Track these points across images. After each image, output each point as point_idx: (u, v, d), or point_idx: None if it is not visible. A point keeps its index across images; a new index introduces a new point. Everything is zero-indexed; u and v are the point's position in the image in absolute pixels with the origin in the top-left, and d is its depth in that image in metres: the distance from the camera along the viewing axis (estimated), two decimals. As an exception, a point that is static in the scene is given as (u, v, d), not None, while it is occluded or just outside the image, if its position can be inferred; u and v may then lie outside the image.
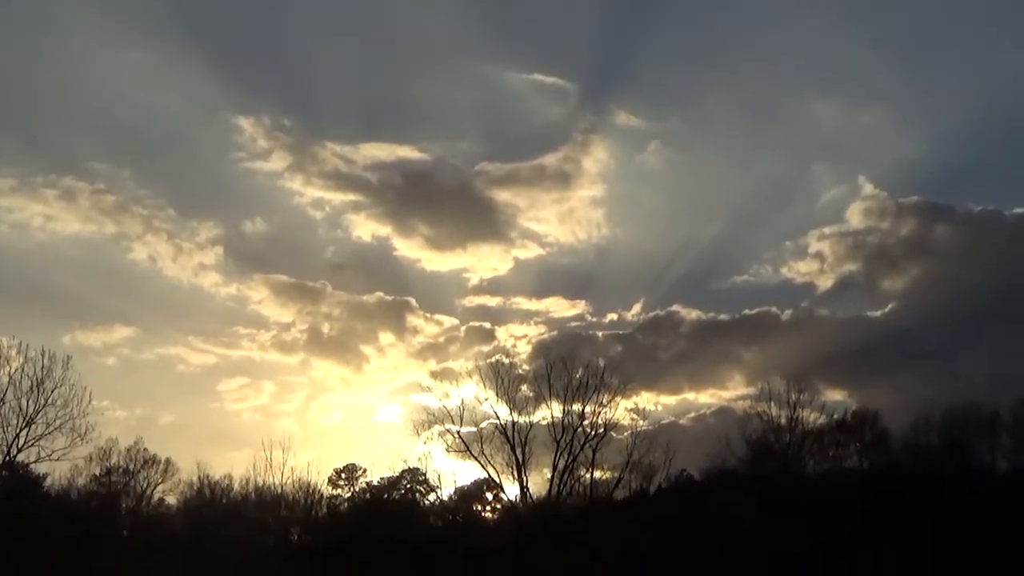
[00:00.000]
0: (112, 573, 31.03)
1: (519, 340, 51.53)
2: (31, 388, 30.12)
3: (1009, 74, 61.83)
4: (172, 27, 64.38)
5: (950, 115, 65.32)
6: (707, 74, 73.39)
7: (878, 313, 53.10)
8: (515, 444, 32.82)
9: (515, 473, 32.85)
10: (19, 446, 30.11)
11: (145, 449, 37.29)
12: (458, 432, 33.90)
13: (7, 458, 31.56)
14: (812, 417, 33.83)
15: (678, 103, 73.72)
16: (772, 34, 69.05)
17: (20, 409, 29.56)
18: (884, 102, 68.53)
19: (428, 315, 54.31)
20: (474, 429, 34.36)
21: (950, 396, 35.96)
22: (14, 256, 55.31)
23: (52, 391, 30.13)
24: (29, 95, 63.39)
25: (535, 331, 50.84)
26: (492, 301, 56.45)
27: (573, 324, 53.91)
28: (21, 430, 29.79)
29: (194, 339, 56.22)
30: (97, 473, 35.34)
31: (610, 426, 33.40)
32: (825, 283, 56.05)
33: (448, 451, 34.78)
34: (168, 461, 37.27)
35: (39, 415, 29.95)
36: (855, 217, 56.81)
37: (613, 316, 54.52)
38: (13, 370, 30.16)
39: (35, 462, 30.95)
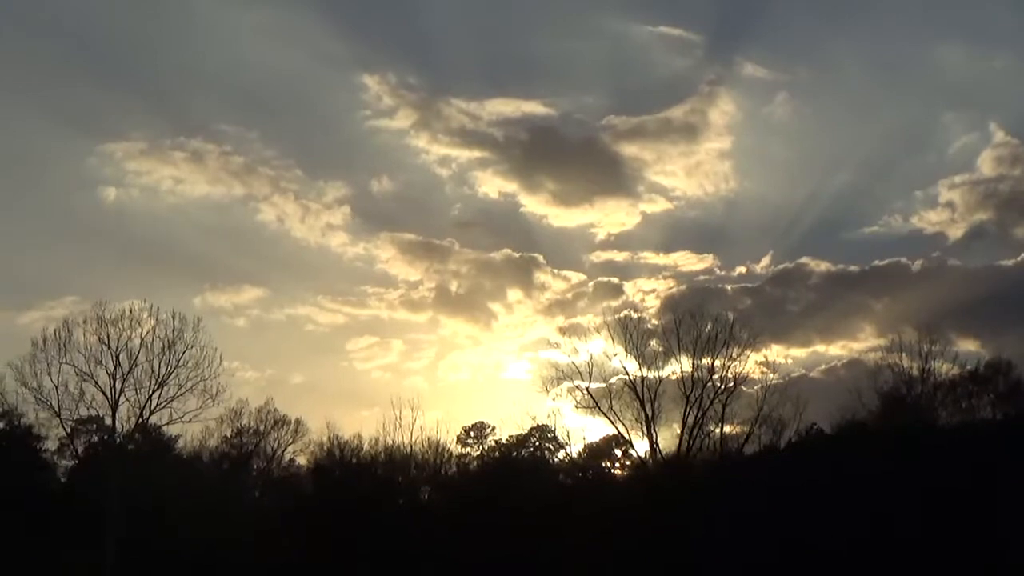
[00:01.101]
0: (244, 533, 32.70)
1: (647, 295, 52.75)
2: (162, 350, 31.18)
3: None
4: None
5: None
6: (833, 23, 71.10)
7: (1011, 262, 52.38)
8: (644, 400, 32.98)
9: (644, 429, 33.02)
10: (151, 408, 31.15)
11: (275, 410, 37.72)
12: (587, 388, 33.96)
13: (140, 420, 32.56)
14: (944, 368, 33.46)
15: (804, 53, 71.77)
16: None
17: (152, 371, 30.79)
18: (1015, 47, 69.14)
19: (556, 271, 55.27)
20: (603, 385, 34.41)
21: None
22: (144, 219, 57.78)
23: (183, 353, 31.26)
24: (155, 59, 65.86)
25: (663, 285, 52.13)
26: (620, 256, 57.30)
27: (702, 278, 54.84)
28: (153, 392, 30.89)
29: (322, 299, 58.12)
30: (228, 435, 36.11)
31: (740, 380, 33.42)
32: (956, 233, 57.11)
33: (577, 407, 34.82)
34: (298, 421, 37.67)
35: (171, 377, 30.93)
36: (987, 165, 57.10)
37: (742, 269, 55.37)
38: (145, 332, 31.53)
39: (167, 424, 32.21)
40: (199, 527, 30.05)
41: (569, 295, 54.88)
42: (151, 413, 31.26)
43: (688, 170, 61.52)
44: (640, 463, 34.99)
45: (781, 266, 55.65)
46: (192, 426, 32.91)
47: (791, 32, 68.85)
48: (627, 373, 34.11)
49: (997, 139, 56.10)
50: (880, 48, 71.38)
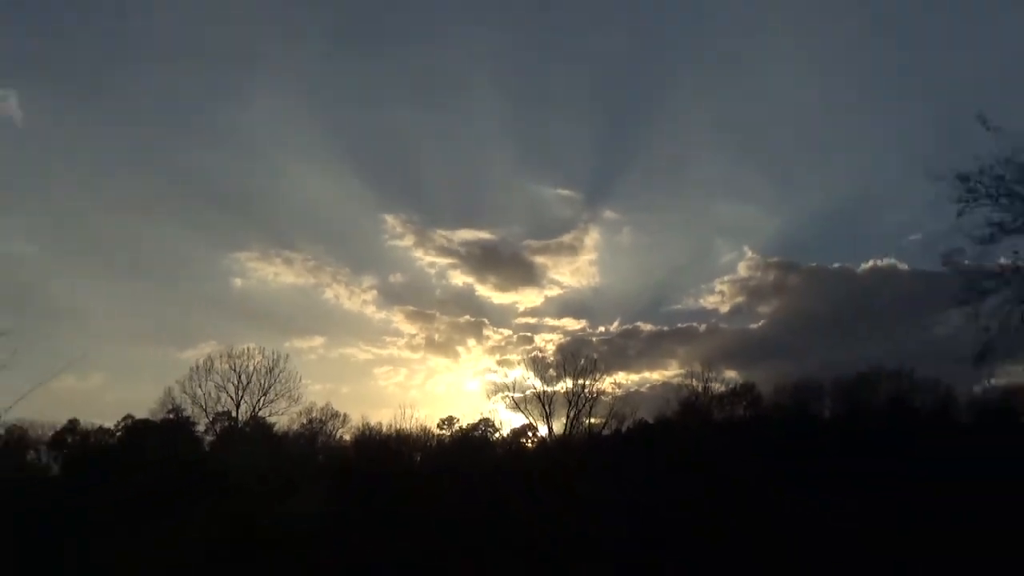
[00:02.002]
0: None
1: (548, 343, 79.08)
2: (266, 373, 49.16)
3: (830, 184, 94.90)
4: (343, 153, 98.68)
5: (794, 209, 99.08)
6: (658, 187, 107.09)
7: (755, 326, 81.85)
8: (545, 403, 51.60)
9: (545, 420, 51.51)
10: (259, 407, 49.15)
11: (331, 407, 54.36)
12: (512, 397, 51.89)
13: (252, 414, 50.99)
14: (716, 387, 51.42)
15: (641, 205, 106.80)
16: (693, 166, 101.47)
17: (260, 385, 49.10)
18: (757, 202, 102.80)
19: (496, 329, 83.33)
20: (521, 395, 52.29)
21: (798, 374, 56.43)
22: (257, 297, 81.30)
23: (278, 374, 49.06)
24: (262, 200, 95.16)
25: (557, 338, 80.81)
26: (532, 320, 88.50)
27: (579, 333, 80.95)
28: (260, 398, 49.16)
29: (360, 344, 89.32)
30: (304, 422, 52.32)
31: (600, 392, 51.32)
32: (724, 308, 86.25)
33: (507, 408, 52.99)
34: (345, 415, 54.09)
35: (271, 389, 48.87)
36: (742, 270, 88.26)
37: (602, 328, 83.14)
38: (256, 362, 49.44)
39: (269, 416, 49.71)
40: (282, 478, 49.32)
41: (503, 343, 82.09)
42: (258, 410, 49.14)
43: (572, 271, 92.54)
44: (543, 440, 52.94)
45: (625, 327, 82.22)
46: (282, 417, 50.29)
47: (634, 191, 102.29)
48: (536, 388, 52.17)
49: (748, 255, 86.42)
50: (684, 202, 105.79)
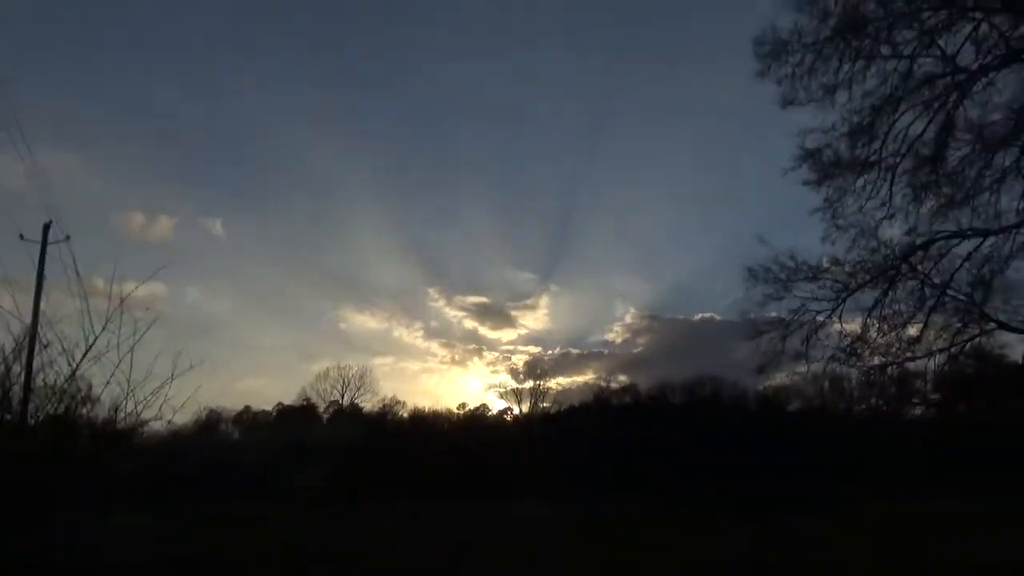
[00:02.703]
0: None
1: (519, 361, 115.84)
2: (359, 378, 79.07)
3: (678, 265, 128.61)
4: (408, 250, 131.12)
5: (658, 281, 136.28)
6: (581, 269, 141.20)
7: (636, 351, 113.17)
8: (517, 394, 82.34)
9: (518, 404, 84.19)
10: (356, 398, 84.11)
11: (396, 397, 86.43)
12: (499, 391, 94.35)
13: (352, 401, 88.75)
14: (614, 385, 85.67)
15: (571, 280, 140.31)
16: (599, 253, 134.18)
17: (355, 385, 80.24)
18: (637, 276, 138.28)
19: (490, 352, 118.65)
20: (504, 389, 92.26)
21: (661, 378, 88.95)
22: (354, 332, 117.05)
23: (366, 379, 78.94)
24: (358, 277, 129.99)
25: (525, 357, 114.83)
26: (510, 347, 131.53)
27: (537, 355, 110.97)
28: (356, 392, 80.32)
29: (413, 361, 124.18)
30: (380, 406, 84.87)
31: (548, 389, 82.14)
32: (619, 340, 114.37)
33: (497, 397, 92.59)
34: (404, 402, 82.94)
35: (362, 387, 78.23)
36: (628, 318, 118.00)
37: (550, 352, 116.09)
38: (353, 372, 79.05)
39: (361, 403, 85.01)
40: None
41: (494, 361, 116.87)
42: (355, 399, 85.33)
43: (533, 319, 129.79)
44: (516, 416, 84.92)
45: (563, 351, 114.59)
46: (368, 404, 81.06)
47: (566, 273, 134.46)
48: (513, 386, 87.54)
49: (631, 311, 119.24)
50: (593, 278, 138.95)
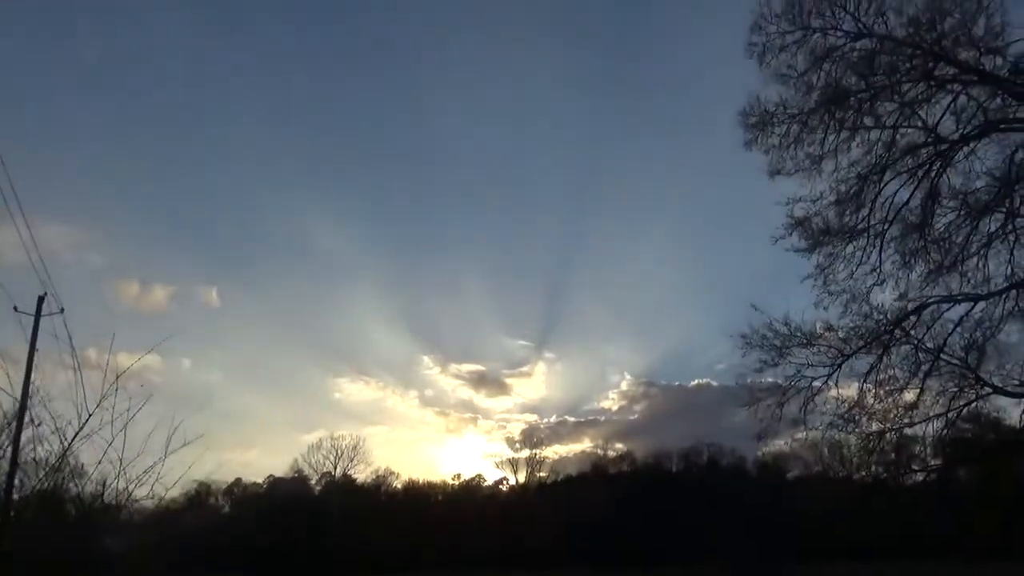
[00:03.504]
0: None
1: (515, 430, 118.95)
2: (352, 448, 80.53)
3: (674, 332, 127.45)
4: (402, 318, 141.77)
5: (652, 348, 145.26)
6: (575, 337, 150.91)
7: (633, 418, 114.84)
8: (513, 464, 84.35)
9: (515, 472, 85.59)
10: (348, 468, 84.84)
11: (390, 468, 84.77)
12: (496, 462, 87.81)
13: (345, 472, 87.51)
14: (611, 453, 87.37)
15: (566, 348, 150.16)
16: (592, 322, 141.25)
17: (348, 455, 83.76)
18: (631, 344, 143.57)
19: (485, 420, 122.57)
20: (500, 459, 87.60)
21: (655, 445, 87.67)
22: (349, 403, 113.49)
23: (359, 449, 79.81)
24: (355, 347, 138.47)
25: (521, 426, 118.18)
26: (507, 416, 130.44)
27: (533, 423, 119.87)
28: (348, 463, 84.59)
29: (407, 430, 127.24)
30: (374, 477, 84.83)
31: (544, 458, 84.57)
32: (615, 408, 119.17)
33: (493, 466, 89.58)
34: (397, 473, 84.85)
35: (355, 457, 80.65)
36: (623, 385, 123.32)
37: (546, 420, 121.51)
38: (346, 442, 79.79)
39: (354, 474, 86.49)
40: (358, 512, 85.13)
41: (490, 429, 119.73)
42: (348, 470, 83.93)
43: (529, 387, 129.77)
44: (512, 487, 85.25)
45: (559, 419, 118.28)
46: (361, 474, 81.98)
47: (561, 341, 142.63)
48: (509, 455, 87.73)
49: (627, 377, 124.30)
50: (589, 345, 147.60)
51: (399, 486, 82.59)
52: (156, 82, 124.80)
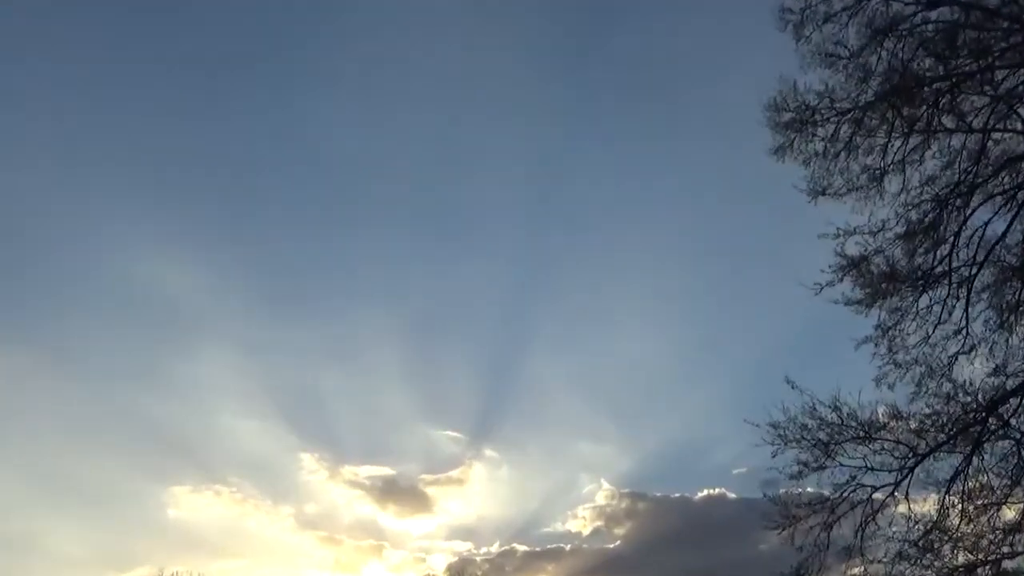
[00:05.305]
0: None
1: (442, 561, 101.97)
2: None
3: (670, 428, 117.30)
4: (268, 401, 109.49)
5: (641, 448, 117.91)
6: (529, 430, 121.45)
7: (612, 545, 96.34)
8: None
9: None
10: None
11: None
12: None
13: None
14: None
15: (515, 444, 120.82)
16: (556, 412, 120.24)
17: None
18: (611, 442, 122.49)
19: (394, 550, 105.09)
20: None
21: None
22: (190, 525, 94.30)
23: None
24: (196, 441, 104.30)
25: (450, 557, 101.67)
26: (426, 543, 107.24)
27: (465, 554, 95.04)
28: None
29: (277, 565, 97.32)
30: None
31: None
32: (586, 531, 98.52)
33: None
34: None
35: None
36: (600, 498, 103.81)
37: (485, 549, 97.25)
38: None
39: None
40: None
41: (401, 564, 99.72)
42: None
43: (460, 500, 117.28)
44: None
45: (503, 547, 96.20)
46: None
47: (507, 433, 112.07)
48: None
49: (604, 487, 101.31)
50: (548, 442, 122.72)
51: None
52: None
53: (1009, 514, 13.40)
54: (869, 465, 13.51)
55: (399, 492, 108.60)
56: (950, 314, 12.90)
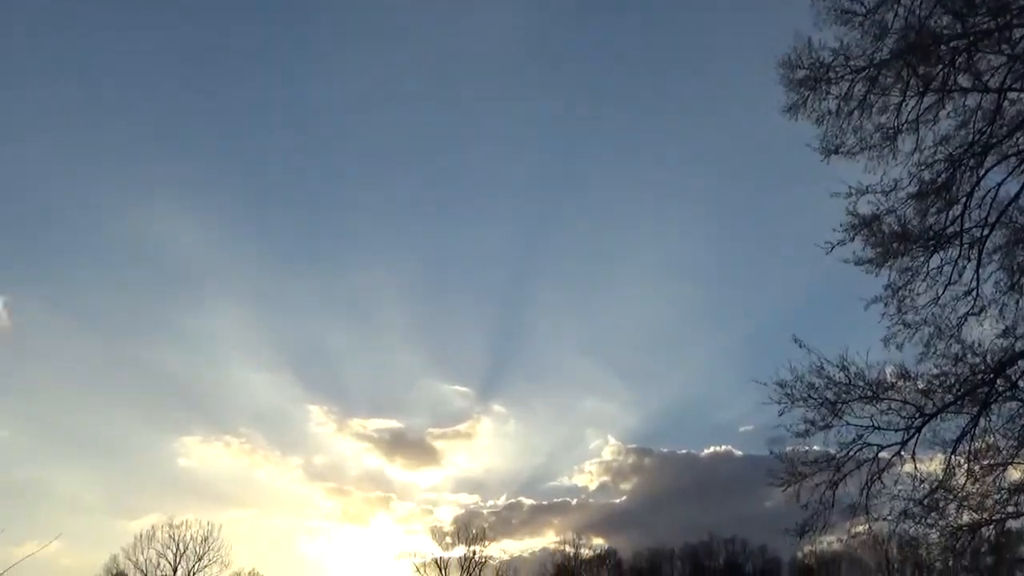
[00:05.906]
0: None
1: (448, 513, 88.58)
2: (201, 541, 55.99)
3: (677, 385, 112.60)
4: (278, 354, 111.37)
5: (649, 405, 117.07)
6: (537, 386, 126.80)
7: (618, 501, 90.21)
8: (442, 568, 68.49)
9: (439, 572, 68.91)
10: (194, 572, 56.73)
11: (257, 571, 66.74)
12: (414, 562, 69.80)
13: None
14: (585, 552, 67.82)
15: (523, 400, 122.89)
16: (565, 369, 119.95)
17: (196, 552, 56.62)
18: (618, 399, 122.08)
19: (401, 502, 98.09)
20: (422, 561, 69.56)
21: (652, 541, 70.12)
22: (200, 474, 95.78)
23: (212, 543, 56.10)
24: (206, 392, 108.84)
25: (455, 511, 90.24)
26: (433, 495, 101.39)
27: (472, 506, 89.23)
28: (195, 563, 56.44)
29: (286, 515, 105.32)
30: None
31: (488, 558, 67.11)
32: (592, 486, 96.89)
33: (412, 571, 69.42)
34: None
35: (205, 555, 56.94)
36: (607, 454, 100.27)
37: (491, 502, 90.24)
38: (193, 532, 56.50)
39: None
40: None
41: (408, 515, 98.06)
42: (194, 574, 56.84)
43: (467, 454, 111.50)
44: None
45: (510, 500, 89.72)
46: None
47: (515, 389, 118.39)
48: (437, 554, 68.14)
49: (611, 442, 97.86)
50: (556, 398, 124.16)
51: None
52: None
53: (1015, 474, 13.47)
54: (876, 424, 13.50)
55: (407, 445, 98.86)
56: (960, 275, 12.84)
